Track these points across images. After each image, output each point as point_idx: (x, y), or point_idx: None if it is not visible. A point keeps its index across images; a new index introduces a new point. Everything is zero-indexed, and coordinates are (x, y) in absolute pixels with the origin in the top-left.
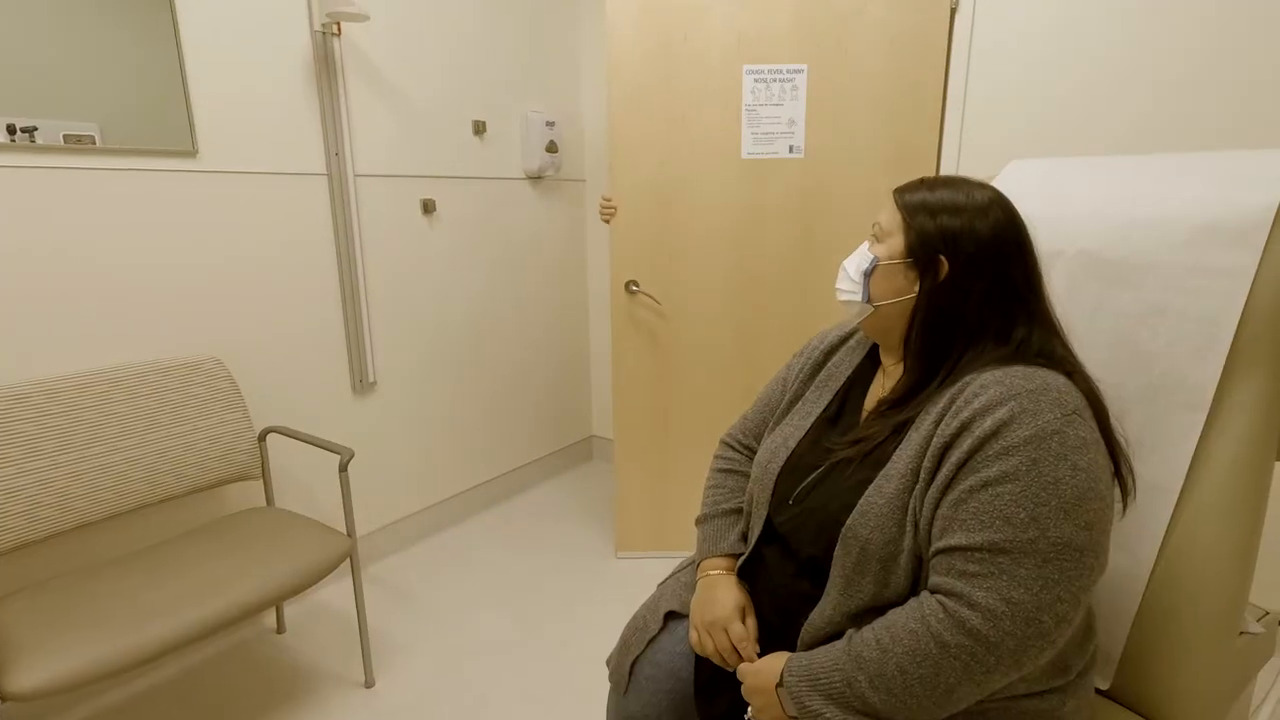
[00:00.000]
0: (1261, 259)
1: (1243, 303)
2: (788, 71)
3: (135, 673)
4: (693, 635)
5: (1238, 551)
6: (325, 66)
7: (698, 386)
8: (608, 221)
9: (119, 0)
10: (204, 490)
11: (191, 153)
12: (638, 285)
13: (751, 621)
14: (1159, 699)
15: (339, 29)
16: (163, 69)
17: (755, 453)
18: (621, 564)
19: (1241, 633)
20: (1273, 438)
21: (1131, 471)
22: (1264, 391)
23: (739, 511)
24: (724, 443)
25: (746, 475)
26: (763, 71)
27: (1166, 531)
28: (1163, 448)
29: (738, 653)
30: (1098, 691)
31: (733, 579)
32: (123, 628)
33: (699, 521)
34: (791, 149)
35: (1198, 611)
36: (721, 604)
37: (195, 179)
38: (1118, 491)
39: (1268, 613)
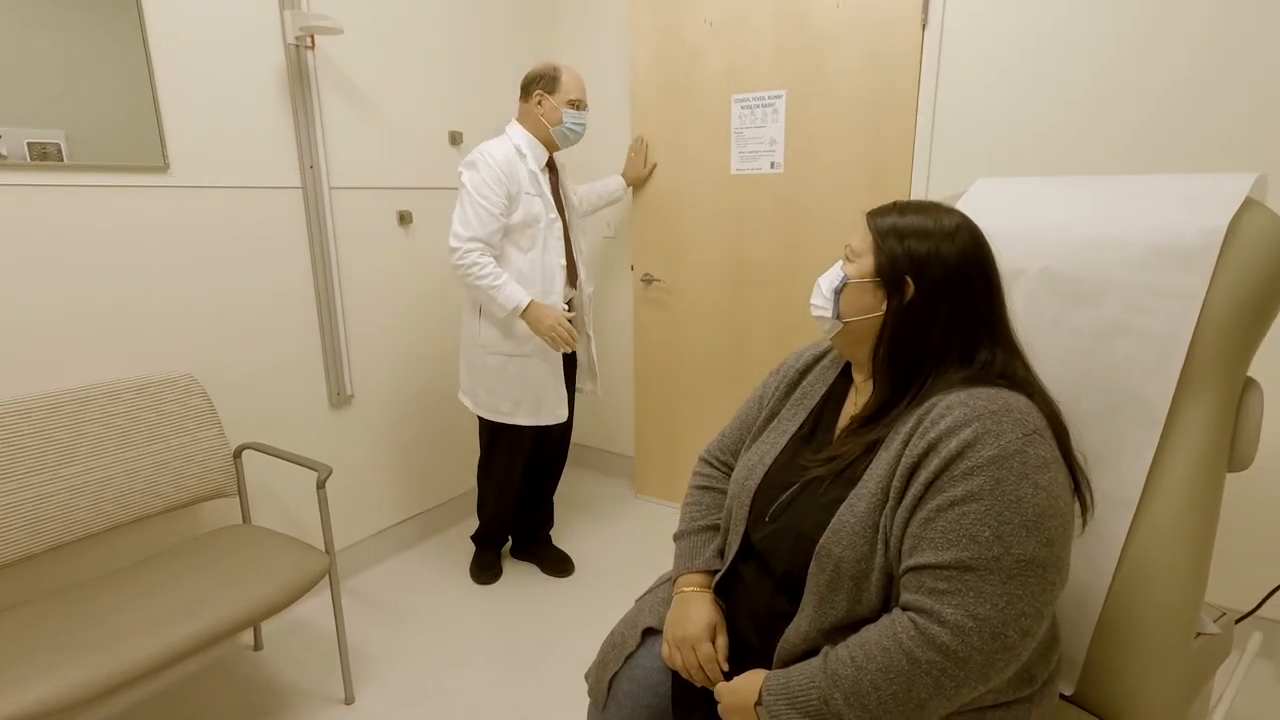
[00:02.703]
0: (1211, 281)
1: (1194, 322)
2: (769, 97)
3: (110, 695)
4: (665, 650)
5: (1193, 559)
6: (299, 79)
7: (699, 357)
8: (557, 346)
9: (84, 9)
10: (179, 509)
11: (163, 168)
12: (652, 276)
13: (722, 640)
14: (1121, 702)
15: (313, 42)
16: (131, 81)
17: (733, 469)
18: (636, 506)
19: (1199, 634)
20: (1223, 451)
21: (1090, 489)
22: (1214, 407)
23: (715, 528)
24: (702, 459)
25: (724, 492)
26: (748, 99)
27: (1125, 542)
28: (1121, 461)
29: (706, 671)
30: (1062, 697)
31: (707, 596)
32: (97, 652)
33: (676, 537)
34: (773, 165)
35: (1156, 617)
36: (693, 622)
37: (167, 194)
38: (1077, 508)
39: (1224, 613)
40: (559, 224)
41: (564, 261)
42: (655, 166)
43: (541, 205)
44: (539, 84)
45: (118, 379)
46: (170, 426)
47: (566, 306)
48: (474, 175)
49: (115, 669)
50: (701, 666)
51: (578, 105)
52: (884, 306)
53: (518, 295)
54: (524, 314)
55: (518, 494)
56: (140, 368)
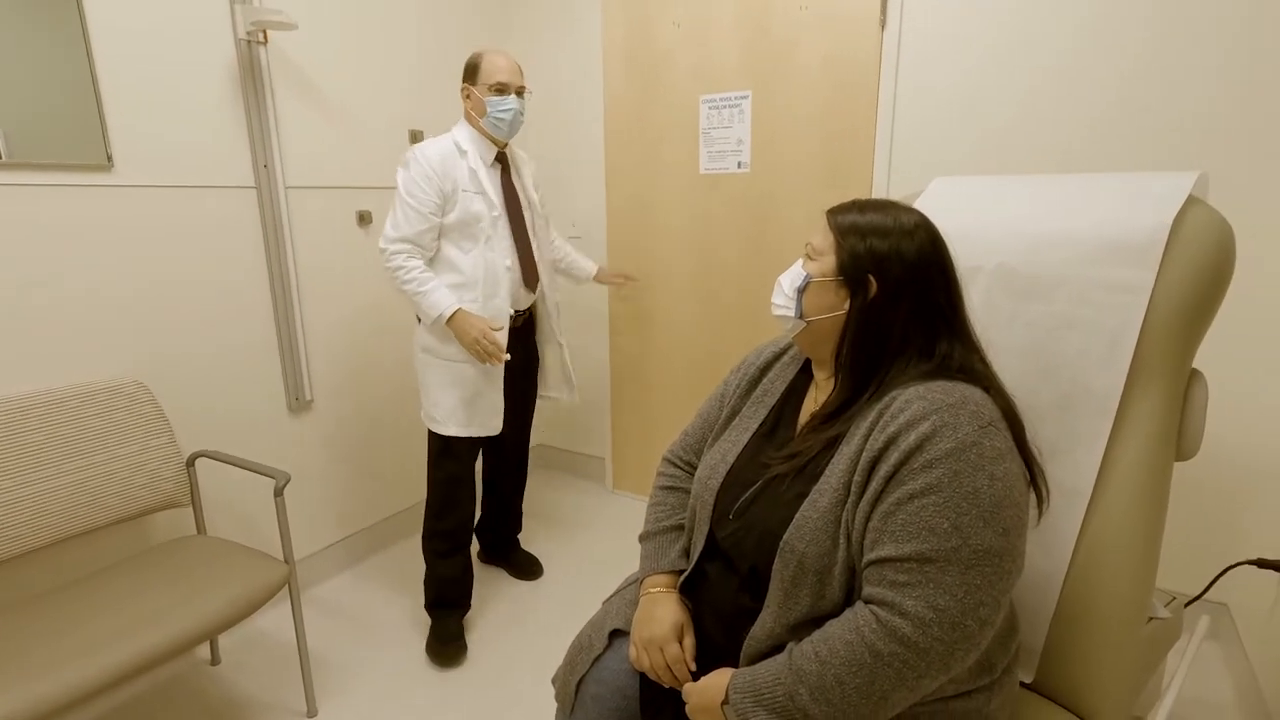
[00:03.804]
0: (1157, 276)
1: (1142, 316)
2: (735, 98)
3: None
4: (632, 652)
5: (1144, 546)
6: (251, 75)
7: (673, 351)
8: (485, 359)
9: (20, 2)
10: (128, 520)
11: (106, 166)
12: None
13: (689, 640)
14: (1078, 688)
15: (265, 37)
16: (72, 76)
17: (696, 468)
18: (611, 503)
19: (1151, 619)
20: (1171, 441)
21: (1045, 481)
22: (1162, 399)
23: (680, 528)
24: (665, 460)
25: (688, 491)
26: (715, 100)
27: (1080, 531)
28: (1075, 452)
29: (674, 671)
30: (1022, 685)
31: (673, 596)
32: (43, 671)
33: (642, 539)
34: (739, 164)
35: (1110, 603)
36: (660, 622)
37: (111, 193)
38: (1033, 499)
39: (1174, 598)
40: (505, 222)
41: (511, 262)
42: (633, 283)
43: (483, 204)
44: (464, 77)
45: (61, 386)
46: (118, 435)
47: (517, 314)
48: (405, 175)
49: (62, 689)
50: (669, 667)
51: (503, 90)
52: (847, 305)
53: (442, 303)
54: (449, 323)
55: (470, 535)
56: (85, 374)
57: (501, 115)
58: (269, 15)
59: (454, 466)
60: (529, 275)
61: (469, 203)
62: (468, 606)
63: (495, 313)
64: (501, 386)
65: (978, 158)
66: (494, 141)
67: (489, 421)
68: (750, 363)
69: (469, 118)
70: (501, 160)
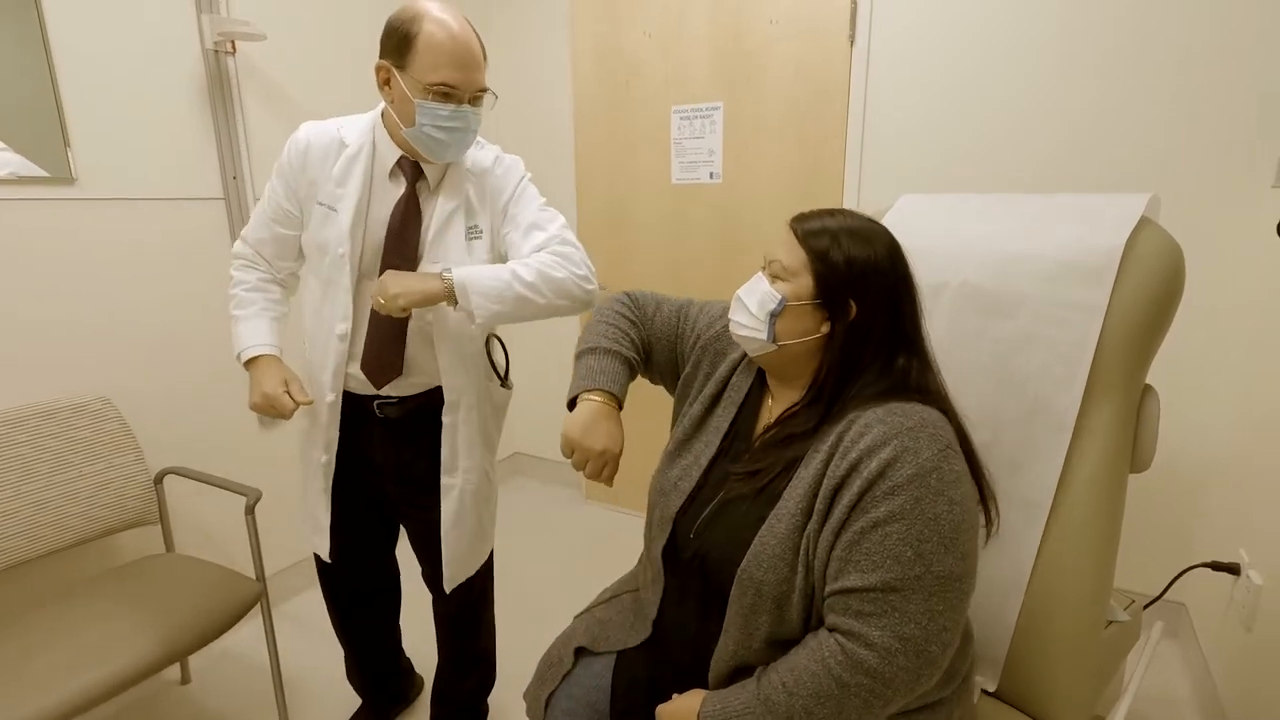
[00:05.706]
0: (1112, 295)
1: (1098, 334)
2: (706, 109)
3: None
4: (564, 448)
5: (1101, 555)
6: (220, 86)
7: None
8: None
9: None
10: (92, 541)
11: (69, 179)
12: (599, 284)
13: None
14: (1041, 693)
15: (233, 47)
16: (32, 87)
17: (641, 329)
18: (585, 512)
19: (1110, 623)
20: (1125, 454)
21: (995, 502)
22: (1117, 413)
23: (627, 363)
24: (629, 294)
25: (637, 327)
26: (687, 110)
27: (1040, 542)
28: (1037, 465)
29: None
30: (986, 693)
31: (619, 415)
32: (5, 701)
33: (586, 352)
34: (711, 175)
35: (1070, 611)
36: (613, 439)
37: (75, 206)
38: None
39: (1133, 600)
40: (348, 267)
41: (346, 330)
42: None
43: (332, 230)
44: (385, 50)
45: (20, 405)
46: (82, 454)
47: (383, 400)
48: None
49: (25, 718)
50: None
51: (449, 95)
52: (823, 329)
53: (245, 340)
54: (248, 368)
55: (358, 644)
56: (48, 392)
57: (438, 135)
58: (237, 26)
59: (326, 594)
60: (378, 361)
61: (319, 224)
62: (390, 699)
63: (318, 391)
64: (326, 497)
65: (946, 173)
66: (406, 150)
67: (313, 535)
68: (731, 345)
69: (387, 114)
70: (409, 172)
